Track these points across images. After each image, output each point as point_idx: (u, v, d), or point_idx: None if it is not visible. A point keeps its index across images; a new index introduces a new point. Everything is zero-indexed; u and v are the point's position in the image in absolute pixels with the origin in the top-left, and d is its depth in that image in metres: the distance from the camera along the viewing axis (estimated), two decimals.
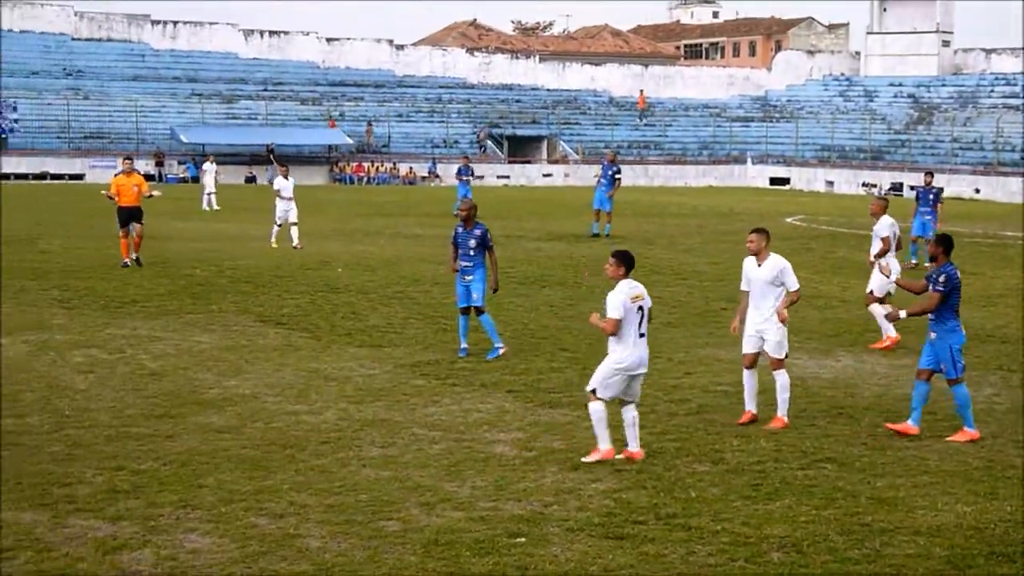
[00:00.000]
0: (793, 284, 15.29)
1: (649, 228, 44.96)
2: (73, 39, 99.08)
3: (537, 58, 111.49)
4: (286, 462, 13.22)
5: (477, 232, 19.45)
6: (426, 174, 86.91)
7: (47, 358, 18.88)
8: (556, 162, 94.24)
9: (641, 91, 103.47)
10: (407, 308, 24.69)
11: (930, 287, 14.71)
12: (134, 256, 30.61)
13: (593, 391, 13.38)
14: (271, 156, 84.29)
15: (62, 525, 10.97)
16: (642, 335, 13.47)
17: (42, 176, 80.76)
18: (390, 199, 62.70)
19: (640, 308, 13.46)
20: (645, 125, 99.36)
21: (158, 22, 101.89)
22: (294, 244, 35.51)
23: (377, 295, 26.55)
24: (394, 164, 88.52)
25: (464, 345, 19.74)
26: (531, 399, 16.57)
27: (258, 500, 11.81)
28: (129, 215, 30.68)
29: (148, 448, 13.64)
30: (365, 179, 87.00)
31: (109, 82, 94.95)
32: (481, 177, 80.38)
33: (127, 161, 31.78)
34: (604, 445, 13.44)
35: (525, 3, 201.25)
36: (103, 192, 32.17)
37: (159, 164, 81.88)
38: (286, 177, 36.79)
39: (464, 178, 49.62)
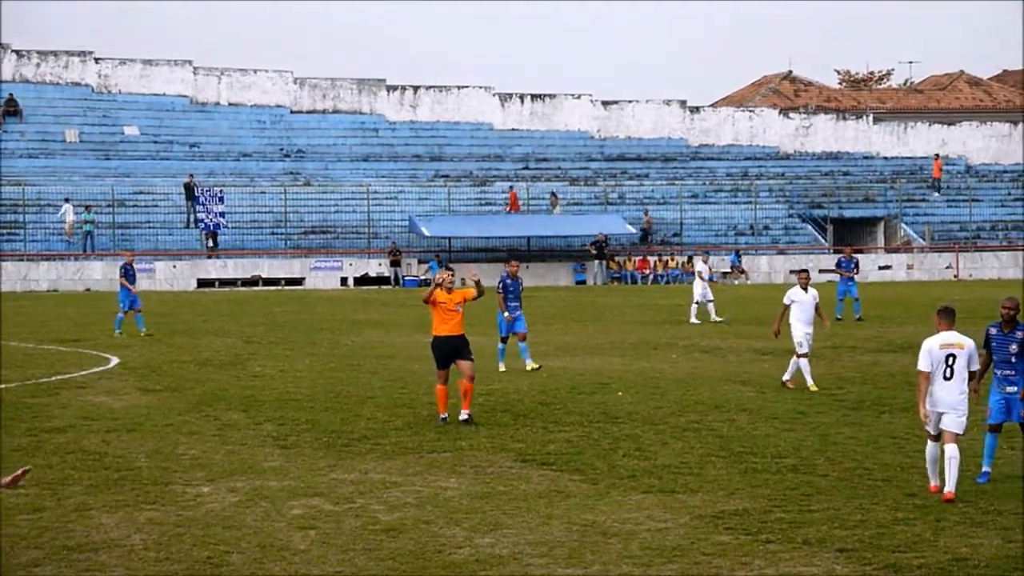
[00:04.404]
0: None
1: None
2: (292, 112, 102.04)
3: (871, 118, 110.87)
4: None
5: (1019, 335, 20.76)
6: (728, 269, 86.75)
7: (259, 510, 19.30)
8: (896, 250, 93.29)
9: (936, 156, 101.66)
10: (706, 443, 24.54)
11: None
12: (465, 415, 26.87)
13: None
14: (599, 248, 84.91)
15: None
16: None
17: (253, 282, 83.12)
18: (682, 302, 62.70)
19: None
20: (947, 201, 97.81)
21: (395, 87, 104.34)
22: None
23: (668, 425, 26.49)
24: (688, 258, 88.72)
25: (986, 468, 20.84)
26: (869, 560, 16.26)
27: None
28: (452, 348, 27.06)
29: None
30: (651, 277, 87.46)
31: (334, 164, 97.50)
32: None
33: (448, 273, 27.77)
34: None
35: (855, 49, 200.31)
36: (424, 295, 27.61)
37: (395, 263, 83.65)
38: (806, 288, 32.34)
39: (847, 272, 52.94)
